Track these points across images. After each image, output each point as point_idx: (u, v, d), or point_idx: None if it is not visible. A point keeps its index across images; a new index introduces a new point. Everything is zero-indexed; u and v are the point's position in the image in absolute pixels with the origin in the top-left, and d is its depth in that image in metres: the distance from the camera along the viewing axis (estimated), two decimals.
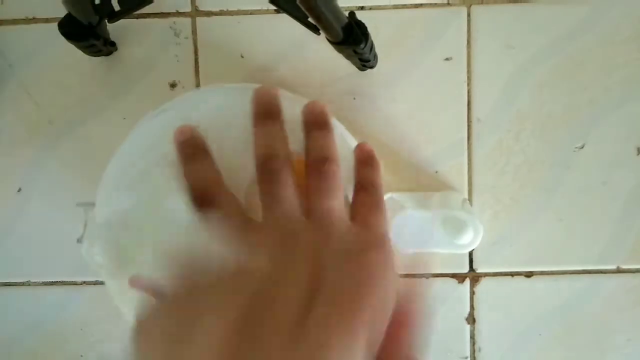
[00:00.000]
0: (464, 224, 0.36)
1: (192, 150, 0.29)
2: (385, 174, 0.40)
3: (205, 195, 0.28)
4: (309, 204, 0.28)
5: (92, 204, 0.32)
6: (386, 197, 0.40)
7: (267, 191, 0.28)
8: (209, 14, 0.40)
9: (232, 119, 0.30)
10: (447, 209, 0.37)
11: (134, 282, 0.27)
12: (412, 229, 0.33)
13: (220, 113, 0.31)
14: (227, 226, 0.27)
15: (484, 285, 0.41)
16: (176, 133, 0.29)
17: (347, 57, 0.37)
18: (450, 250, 0.37)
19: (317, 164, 0.29)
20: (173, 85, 0.41)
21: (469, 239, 0.36)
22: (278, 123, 0.30)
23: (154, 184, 0.28)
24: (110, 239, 0.26)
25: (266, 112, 0.30)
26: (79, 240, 0.40)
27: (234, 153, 0.29)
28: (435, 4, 0.40)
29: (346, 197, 0.30)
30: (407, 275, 0.29)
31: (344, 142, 0.32)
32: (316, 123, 0.31)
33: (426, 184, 0.41)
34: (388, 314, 0.27)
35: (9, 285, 0.42)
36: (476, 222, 0.36)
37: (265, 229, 0.27)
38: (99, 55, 0.40)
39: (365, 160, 0.32)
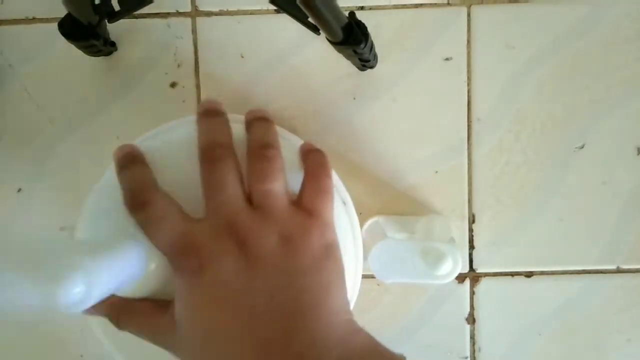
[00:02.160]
0: (443, 255, 0.35)
1: (127, 160, 0.29)
2: (376, 191, 0.40)
3: (139, 197, 0.28)
4: (249, 188, 0.28)
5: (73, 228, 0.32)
6: (371, 220, 0.40)
7: (209, 179, 0.28)
8: (209, 14, 0.40)
9: (188, 153, 0.30)
10: (427, 239, 0.37)
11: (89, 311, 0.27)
12: (391, 258, 0.33)
13: (176, 147, 0.31)
14: (163, 223, 0.27)
15: (484, 285, 0.41)
16: (116, 151, 0.29)
17: (347, 57, 0.37)
18: (428, 281, 0.36)
19: (256, 149, 0.29)
20: (173, 85, 0.41)
21: (448, 270, 0.35)
22: (221, 117, 0.30)
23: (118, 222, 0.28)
24: (67, 264, 0.25)
25: (208, 111, 0.31)
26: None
27: (185, 184, 0.29)
28: (435, 4, 0.40)
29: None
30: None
31: (288, 141, 0.32)
32: (257, 118, 0.31)
33: (425, 184, 0.41)
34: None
35: None
36: (455, 252, 0.35)
37: (205, 222, 0.27)
38: (99, 55, 0.40)
39: (311, 150, 0.31)
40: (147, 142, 0.31)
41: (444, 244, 0.35)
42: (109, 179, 0.31)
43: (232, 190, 0.28)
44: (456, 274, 0.35)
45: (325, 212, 0.29)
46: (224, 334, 0.26)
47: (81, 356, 0.43)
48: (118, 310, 0.28)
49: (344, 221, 0.32)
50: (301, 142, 0.33)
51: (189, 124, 0.31)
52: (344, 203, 0.33)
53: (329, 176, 0.30)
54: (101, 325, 0.30)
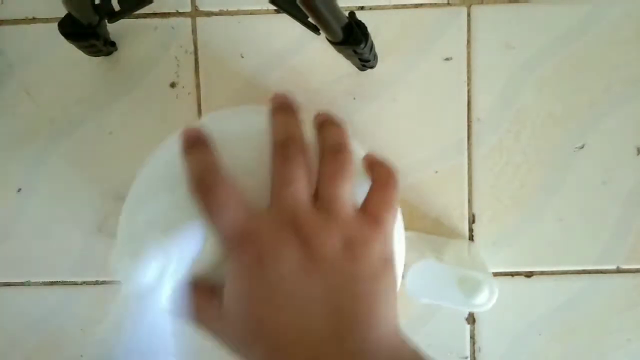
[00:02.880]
0: (480, 284, 0.35)
1: (194, 142, 0.29)
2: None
3: (205, 181, 0.27)
4: (317, 189, 0.28)
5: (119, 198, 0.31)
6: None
7: (280, 174, 0.28)
8: (209, 14, 0.40)
9: (246, 140, 0.30)
10: (462, 267, 0.37)
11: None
12: (428, 279, 0.33)
13: (234, 136, 0.30)
14: (226, 209, 0.27)
15: None
16: (183, 132, 0.29)
17: (347, 57, 0.37)
18: (463, 307, 0.36)
19: (330, 150, 0.29)
20: (173, 85, 0.41)
21: (484, 300, 0.36)
22: (295, 114, 0.31)
23: (176, 201, 0.28)
24: (143, 241, 0.26)
25: (283, 105, 0.31)
26: (100, 229, 0.40)
27: (249, 174, 0.29)
28: (435, 4, 0.40)
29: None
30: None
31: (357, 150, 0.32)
32: (331, 122, 0.31)
33: (425, 184, 0.41)
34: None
35: (9, 285, 0.42)
36: (493, 284, 0.35)
37: (268, 215, 0.27)
38: (99, 55, 0.40)
39: (380, 161, 0.31)
40: (214, 123, 0.31)
41: (481, 273, 0.35)
42: (157, 161, 0.31)
43: (301, 187, 0.28)
44: (492, 304, 0.36)
45: (388, 223, 0.29)
46: (276, 328, 0.26)
47: (81, 356, 0.43)
48: None
49: (396, 235, 0.32)
50: (363, 151, 0.33)
51: (259, 114, 0.31)
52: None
53: (396, 189, 0.30)
54: None
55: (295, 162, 0.28)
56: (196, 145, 0.29)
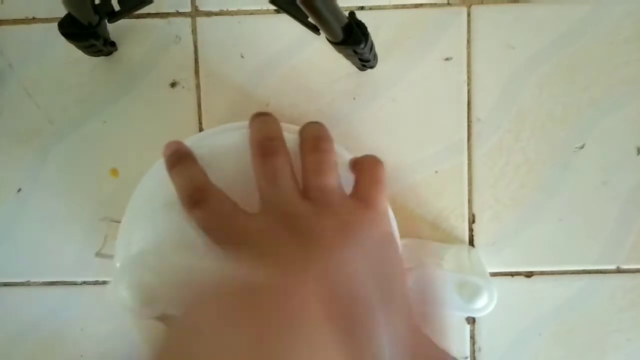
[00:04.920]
0: (480, 289, 0.35)
1: (177, 157, 0.29)
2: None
3: (196, 194, 0.27)
4: (304, 183, 0.28)
5: (115, 220, 0.32)
6: (401, 243, 0.40)
7: (263, 172, 0.28)
8: (209, 14, 0.40)
9: (237, 156, 0.30)
10: (459, 270, 0.37)
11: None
12: (426, 285, 0.33)
13: (224, 151, 0.31)
14: (221, 219, 0.27)
15: None
16: (164, 149, 0.29)
17: (347, 57, 0.37)
18: (462, 313, 0.36)
19: (310, 143, 0.29)
20: (173, 85, 0.41)
21: (483, 304, 0.36)
22: (271, 117, 0.31)
23: (172, 221, 0.28)
24: (134, 281, 0.26)
25: (259, 113, 0.31)
26: (98, 254, 0.40)
27: (237, 186, 0.29)
28: (435, 4, 0.40)
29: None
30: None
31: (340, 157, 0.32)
32: (308, 122, 0.32)
33: (425, 184, 0.41)
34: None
35: (9, 285, 0.42)
36: (492, 288, 0.35)
37: (260, 216, 0.27)
38: (99, 55, 0.40)
39: (361, 157, 0.32)
40: (197, 142, 0.31)
41: (480, 278, 0.36)
42: (149, 181, 0.31)
43: (287, 182, 0.28)
44: (491, 309, 0.36)
45: (381, 202, 0.29)
46: (294, 318, 0.25)
47: (81, 356, 0.43)
48: None
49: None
50: (350, 155, 0.33)
51: (240, 129, 0.31)
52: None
53: (383, 171, 0.30)
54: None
55: (275, 158, 0.28)
56: (181, 160, 0.29)
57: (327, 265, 0.25)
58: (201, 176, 0.28)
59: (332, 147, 0.29)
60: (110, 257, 0.31)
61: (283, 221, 0.27)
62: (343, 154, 0.33)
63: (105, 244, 0.41)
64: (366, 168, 0.30)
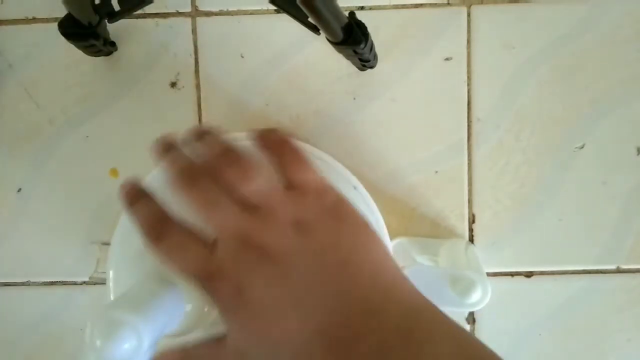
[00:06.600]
0: (473, 283, 0.35)
1: (133, 196, 0.28)
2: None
3: (155, 230, 0.27)
4: (237, 196, 0.27)
5: (106, 243, 0.31)
6: (394, 242, 0.40)
7: (196, 203, 0.27)
8: (209, 14, 0.40)
9: None
10: (453, 265, 0.37)
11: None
12: (420, 283, 0.33)
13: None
14: (183, 253, 0.26)
15: None
16: (119, 190, 0.29)
17: (347, 57, 0.37)
18: (456, 308, 0.36)
19: (214, 161, 0.28)
20: (173, 85, 0.41)
21: (477, 298, 0.35)
22: (174, 147, 0.29)
23: (148, 263, 0.28)
24: (114, 322, 0.25)
25: (164, 145, 0.30)
26: (91, 278, 0.41)
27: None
28: (435, 4, 0.40)
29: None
30: None
31: (324, 162, 0.32)
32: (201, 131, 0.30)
33: (425, 184, 0.41)
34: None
35: (9, 285, 0.42)
36: (485, 281, 0.35)
37: (217, 242, 0.26)
38: (99, 55, 0.40)
39: (263, 133, 0.30)
40: (153, 179, 0.31)
41: (474, 273, 0.35)
42: (124, 225, 0.30)
43: (223, 205, 0.26)
44: (485, 303, 0.35)
45: (312, 177, 0.28)
46: (289, 338, 0.25)
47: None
48: None
49: (362, 205, 0.31)
50: (334, 161, 0.32)
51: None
52: (355, 187, 0.32)
53: (291, 145, 0.28)
54: None
55: (199, 185, 0.27)
56: (136, 197, 0.28)
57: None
58: (157, 209, 0.28)
59: (236, 153, 0.27)
60: (103, 281, 0.31)
61: (239, 244, 0.26)
62: (327, 160, 0.32)
63: (97, 267, 0.41)
64: (274, 154, 0.28)
